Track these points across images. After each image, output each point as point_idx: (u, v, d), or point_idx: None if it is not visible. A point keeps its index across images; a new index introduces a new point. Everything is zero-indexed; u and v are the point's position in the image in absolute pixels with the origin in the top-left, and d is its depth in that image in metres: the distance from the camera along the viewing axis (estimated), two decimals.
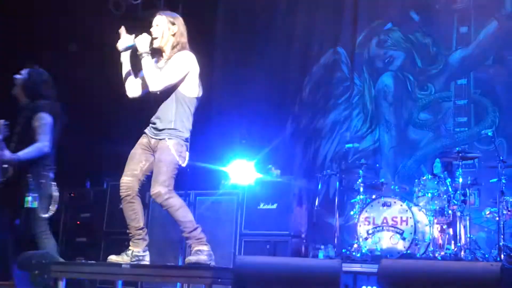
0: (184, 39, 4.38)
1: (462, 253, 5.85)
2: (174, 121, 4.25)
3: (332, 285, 3.63)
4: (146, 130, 4.38)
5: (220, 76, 8.47)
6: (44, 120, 4.85)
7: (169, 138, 4.22)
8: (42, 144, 4.82)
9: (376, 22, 7.96)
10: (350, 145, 7.40)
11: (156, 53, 4.40)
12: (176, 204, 4.22)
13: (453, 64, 7.39)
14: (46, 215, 4.79)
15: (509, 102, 6.98)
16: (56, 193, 4.88)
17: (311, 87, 8.25)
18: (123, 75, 4.47)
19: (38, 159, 4.84)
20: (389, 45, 7.83)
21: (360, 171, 6.53)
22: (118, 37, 4.40)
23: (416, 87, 7.51)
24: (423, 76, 7.52)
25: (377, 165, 7.08)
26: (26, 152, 4.78)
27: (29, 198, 4.72)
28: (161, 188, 4.17)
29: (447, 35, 7.47)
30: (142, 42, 4.28)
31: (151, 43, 4.30)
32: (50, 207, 4.81)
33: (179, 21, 4.42)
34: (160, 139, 4.26)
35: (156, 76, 4.22)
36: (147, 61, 4.25)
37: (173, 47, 4.35)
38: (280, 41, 8.51)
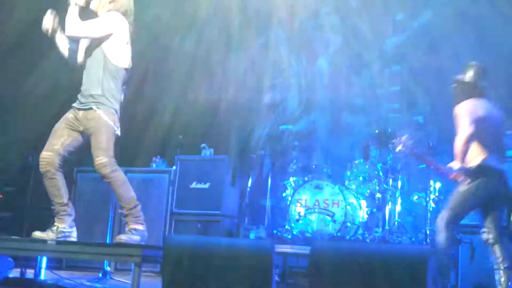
0: (122, 9, 4.24)
1: (390, 236, 5.97)
2: (101, 90, 4.13)
3: (264, 266, 3.61)
4: (74, 104, 4.24)
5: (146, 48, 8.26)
6: None
7: (97, 108, 4.11)
8: None
9: (314, 5, 7.94)
10: (285, 126, 7.40)
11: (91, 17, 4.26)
12: (121, 179, 4.13)
13: (388, 50, 7.48)
14: None
15: (441, 90, 7.12)
16: None
17: (247, 67, 8.17)
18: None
19: None
20: (326, 29, 7.85)
21: (294, 153, 6.55)
22: None
23: (351, 72, 7.57)
24: (359, 61, 7.58)
25: (311, 147, 7.11)
26: None
27: None
28: (105, 159, 4.06)
29: (384, 22, 7.54)
30: None
31: (87, 2, 4.19)
32: None
33: None
34: (87, 109, 4.13)
35: (75, 22, 4.10)
36: (72, 9, 4.13)
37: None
38: (216, 20, 8.38)
